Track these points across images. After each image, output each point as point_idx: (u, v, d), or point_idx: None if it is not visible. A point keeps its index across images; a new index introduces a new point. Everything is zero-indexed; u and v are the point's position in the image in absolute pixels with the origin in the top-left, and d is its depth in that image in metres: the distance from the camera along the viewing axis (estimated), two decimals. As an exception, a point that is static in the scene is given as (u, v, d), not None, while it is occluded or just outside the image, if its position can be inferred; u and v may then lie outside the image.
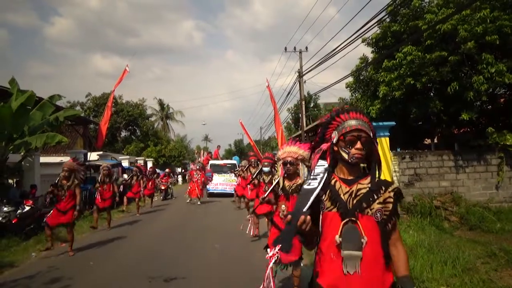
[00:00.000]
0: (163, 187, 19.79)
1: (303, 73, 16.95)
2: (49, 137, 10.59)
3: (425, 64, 10.11)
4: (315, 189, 1.82)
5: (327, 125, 2.05)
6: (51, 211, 7.58)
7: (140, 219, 12.16)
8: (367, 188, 1.89)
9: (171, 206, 16.45)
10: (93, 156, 19.57)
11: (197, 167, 15.68)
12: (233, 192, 18.10)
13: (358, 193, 1.89)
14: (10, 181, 12.57)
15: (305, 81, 22.33)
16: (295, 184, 4.31)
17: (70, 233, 7.31)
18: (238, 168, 16.94)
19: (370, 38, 12.45)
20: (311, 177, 1.90)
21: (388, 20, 12.11)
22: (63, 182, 7.26)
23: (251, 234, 7.95)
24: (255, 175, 9.25)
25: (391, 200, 1.90)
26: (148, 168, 17.31)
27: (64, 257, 7.06)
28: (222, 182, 18.68)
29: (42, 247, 7.96)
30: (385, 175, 10.06)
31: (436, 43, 10.25)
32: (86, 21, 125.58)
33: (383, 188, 1.92)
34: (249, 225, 8.29)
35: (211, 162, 20.11)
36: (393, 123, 10.14)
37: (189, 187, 16.47)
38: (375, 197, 1.88)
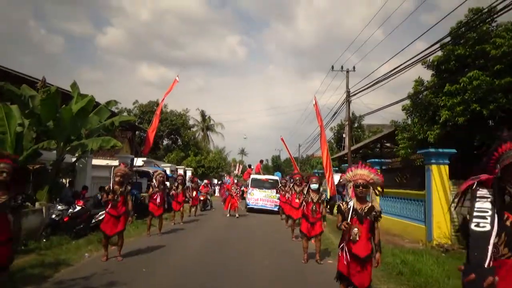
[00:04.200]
0: (202, 198, 19.85)
1: (352, 93, 16.61)
2: (105, 141, 10.87)
3: (494, 90, 9.58)
4: (489, 233, 1.56)
5: (491, 154, 1.82)
6: (103, 216, 7.66)
7: (184, 228, 12.14)
8: None
9: (212, 217, 16.41)
10: (138, 162, 20.03)
11: (236, 181, 15.73)
12: (273, 209, 17.91)
13: None
14: (64, 180, 13.02)
15: (350, 101, 21.95)
16: (367, 207, 4.26)
17: (120, 239, 7.33)
18: (280, 185, 16.67)
19: (430, 60, 12.01)
20: (475, 213, 1.65)
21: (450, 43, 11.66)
22: (116, 187, 7.25)
23: (303, 258, 7.63)
24: (301, 191, 9.04)
25: None
26: (188, 178, 17.43)
27: (116, 261, 7.09)
28: (263, 198, 18.41)
29: (93, 248, 8.08)
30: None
31: (506, 68, 9.71)
32: (135, 32, 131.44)
33: None
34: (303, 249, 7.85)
35: (252, 176, 19.92)
36: (454, 150, 9.63)
37: (225, 201, 16.53)
38: None
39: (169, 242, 9.28)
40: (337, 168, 19.48)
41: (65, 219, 9.75)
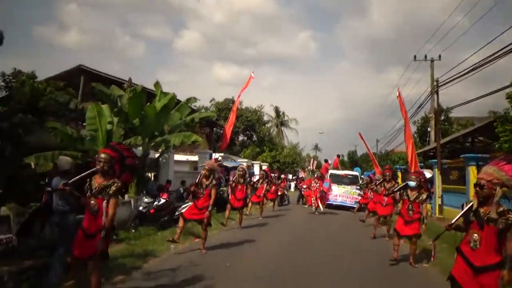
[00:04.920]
0: (279, 193, 19.69)
1: (441, 83, 15.19)
2: (186, 136, 11.18)
3: None
4: None
5: None
6: (188, 206, 7.81)
7: (264, 223, 12.03)
8: None
9: (291, 212, 16.18)
10: (215, 157, 20.47)
11: (316, 176, 15.08)
12: (353, 206, 17.08)
13: None
14: (149, 175, 13.71)
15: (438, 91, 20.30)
16: (493, 211, 3.51)
17: (204, 231, 7.38)
18: (363, 182, 15.83)
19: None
20: None
21: None
22: (203, 180, 7.40)
23: (393, 256, 7.02)
24: (396, 188, 8.37)
25: None
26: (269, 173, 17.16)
27: (200, 254, 7.16)
28: (342, 194, 17.68)
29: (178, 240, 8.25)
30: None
31: None
32: (210, 34, 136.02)
33: None
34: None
35: (331, 171, 19.22)
36: None
37: (306, 197, 16.01)
38: None
39: (249, 237, 9.21)
40: (422, 164, 18.07)
41: (151, 211, 10.19)
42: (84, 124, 12.23)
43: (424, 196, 6.85)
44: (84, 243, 4.13)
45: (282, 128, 49.28)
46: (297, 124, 49.40)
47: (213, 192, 7.29)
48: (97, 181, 4.24)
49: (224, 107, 37.57)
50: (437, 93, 15.36)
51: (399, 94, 15.62)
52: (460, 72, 14.06)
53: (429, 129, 25.09)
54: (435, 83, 15.46)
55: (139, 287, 5.09)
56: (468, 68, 13.60)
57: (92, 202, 4.15)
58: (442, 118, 28.70)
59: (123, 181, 4.29)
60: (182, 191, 13.36)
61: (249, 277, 5.87)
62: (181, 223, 7.43)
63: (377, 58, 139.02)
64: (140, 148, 11.53)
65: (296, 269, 6.41)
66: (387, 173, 10.10)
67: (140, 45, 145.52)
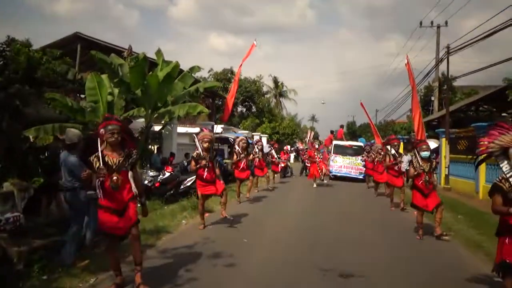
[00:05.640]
0: (283, 164, 19.47)
1: (452, 49, 14.61)
2: (191, 107, 10.74)
3: None
4: None
5: None
6: (192, 181, 7.51)
7: (271, 195, 11.79)
8: None
9: (294, 184, 15.99)
10: (217, 129, 20.13)
11: (316, 147, 14.68)
12: (358, 177, 16.90)
13: None
14: (152, 147, 13.36)
15: (442, 59, 19.84)
16: None
17: (224, 196, 7.17)
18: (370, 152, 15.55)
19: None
20: None
21: None
22: (204, 153, 6.91)
23: (419, 234, 6.72)
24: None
25: None
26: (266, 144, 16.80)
27: (214, 228, 6.92)
28: (346, 165, 17.42)
29: (188, 215, 8.02)
30: None
31: None
32: (205, 2, 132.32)
33: None
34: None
35: (335, 142, 18.87)
36: None
37: (309, 170, 15.71)
38: None
39: (261, 210, 9.03)
40: (426, 134, 17.79)
41: (156, 185, 9.92)
42: (83, 96, 11.80)
43: (434, 164, 6.62)
44: (119, 221, 3.92)
45: (280, 99, 48.66)
46: (296, 95, 48.75)
47: (215, 164, 7.07)
48: (112, 156, 3.94)
49: (223, 78, 36.84)
50: (448, 60, 14.85)
51: (407, 61, 15.13)
52: (469, 40, 13.56)
53: (432, 98, 24.69)
54: (445, 49, 14.90)
55: (157, 266, 4.82)
56: (479, 35, 13.11)
57: (115, 178, 3.80)
58: (445, 87, 28.25)
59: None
60: (186, 164, 13.05)
61: (267, 253, 5.62)
62: (201, 206, 7.05)
63: (376, 26, 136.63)
64: (143, 119, 11.11)
65: (325, 249, 6.01)
66: (396, 143, 9.82)
67: (134, 14, 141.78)
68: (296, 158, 35.56)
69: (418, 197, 6.58)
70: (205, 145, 6.81)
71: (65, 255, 4.63)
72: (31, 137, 8.93)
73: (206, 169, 6.78)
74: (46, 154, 10.16)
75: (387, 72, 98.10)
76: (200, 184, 7.05)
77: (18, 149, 8.66)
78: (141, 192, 4.19)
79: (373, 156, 12.57)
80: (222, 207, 7.34)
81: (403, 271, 4.96)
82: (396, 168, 9.51)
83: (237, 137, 11.80)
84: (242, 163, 10.16)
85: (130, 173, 3.98)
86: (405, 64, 15.43)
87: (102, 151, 3.88)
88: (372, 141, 19.16)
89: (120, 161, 3.93)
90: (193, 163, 6.90)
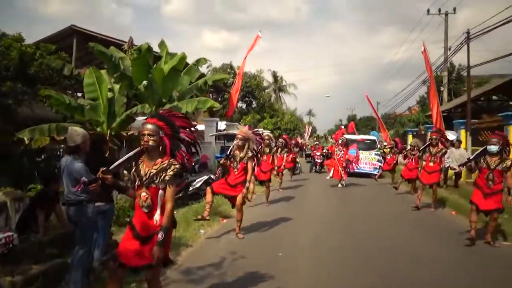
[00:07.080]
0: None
1: (473, 35, 13.72)
2: (201, 102, 9.84)
3: None
4: None
5: None
6: (203, 180, 6.65)
7: (289, 196, 10.78)
8: None
9: (308, 183, 15.03)
10: (221, 125, 19.24)
11: (340, 142, 13.51)
12: (372, 173, 15.98)
13: None
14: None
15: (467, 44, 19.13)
16: None
17: (239, 212, 6.18)
18: (383, 146, 14.73)
19: None
20: None
21: None
22: (236, 152, 6.23)
23: (470, 234, 5.97)
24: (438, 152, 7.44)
25: None
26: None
27: (238, 241, 6.01)
28: (360, 160, 16.54)
29: (205, 223, 7.12)
30: None
31: None
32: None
33: None
34: None
35: (347, 137, 17.93)
36: None
37: (327, 166, 14.77)
38: None
39: (284, 214, 8.04)
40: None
41: (164, 188, 9.06)
42: (80, 94, 10.94)
43: (508, 162, 5.67)
44: (137, 248, 2.96)
45: (280, 94, 47.80)
46: (295, 89, 47.95)
47: (249, 165, 6.10)
48: (146, 165, 3.04)
49: (222, 73, 35.88)
50: (468, 46, 13.97)
51: (424, 49, 14.30)
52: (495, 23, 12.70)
53: (442, 88, 23.84)
54: (465, 35, 14.01)
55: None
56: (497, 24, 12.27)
57: (144, 194, 2.97)
58: (453, 76, 27.49)
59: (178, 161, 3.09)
60: (194, 163, 12.20)
61: (308, 270, 4.77)
62: (208, 197, 6.28)
63: (370, 19, 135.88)
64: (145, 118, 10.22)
65: (348, 257, 5.34)
66: (434, 136, 8.94)
67: (127, 12, 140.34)
68: (301, 154, 34.68)
69: (477, 194, 5.88)
70: (237, 142, 6.15)
71: (71, 285, 3.75)
72: (25, 139, 8.05)
73: (235, 169, 6.13)
74: (43, 157, 9.37)
75: (382, 64, 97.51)
76: (220, 181, 6.38)
77: (11, 153, 7.86)
78: (166, 224, 2.91)
79: (404, 152, 11.86)
80: (237, 224, 6.28)
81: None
82: (431, 164, 8.67)
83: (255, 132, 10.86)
84: (265, 162, 9.35)
85: (160, 193, 2.96)
86: (422, 52, 14.65)
87: (140, 156, 3.14)
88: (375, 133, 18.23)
89: (151, 174, 3.01)
90: (223, 160, 6.33)
